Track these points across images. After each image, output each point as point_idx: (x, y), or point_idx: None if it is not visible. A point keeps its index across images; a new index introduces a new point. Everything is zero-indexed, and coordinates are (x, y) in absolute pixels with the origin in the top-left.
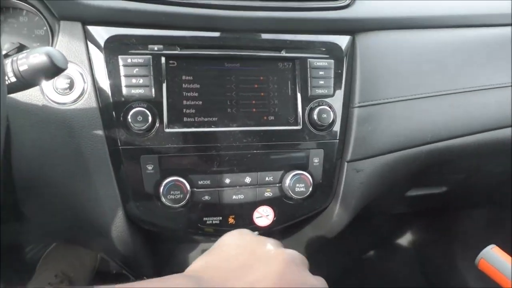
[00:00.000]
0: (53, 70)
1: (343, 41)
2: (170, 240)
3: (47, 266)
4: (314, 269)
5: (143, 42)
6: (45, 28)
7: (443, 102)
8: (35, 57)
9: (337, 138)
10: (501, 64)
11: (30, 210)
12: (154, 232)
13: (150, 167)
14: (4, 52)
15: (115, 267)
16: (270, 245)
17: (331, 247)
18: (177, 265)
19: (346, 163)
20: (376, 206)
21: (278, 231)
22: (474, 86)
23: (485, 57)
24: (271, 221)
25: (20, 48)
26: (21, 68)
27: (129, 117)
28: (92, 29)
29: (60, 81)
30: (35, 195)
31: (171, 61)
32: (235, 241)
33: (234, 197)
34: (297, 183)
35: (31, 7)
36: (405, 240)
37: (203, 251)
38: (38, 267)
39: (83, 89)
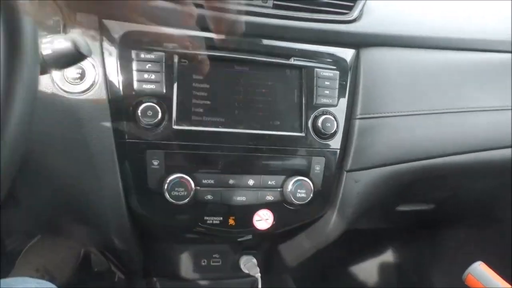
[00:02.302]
0: (77, 56)
1: (348, 54)
2: (164, 238)
3: (28, 260)
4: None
5: (157, 39)
6: (56, 18)
7: (439, 120)
8: (60, 42)
9: (339, 147)
10: (496, 88)
11: (27, 197)
12: (149, 228)
13: (155, 163)
14: None
15: (97, 264)
16: None
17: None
18: (166, 265)
19: (345, 173)
20: (366, 219)
21: (272, 236)
22: (469, 107)
23: (481, 80)
24: (270, 225)
25: None
26: (45, 52)
27: (139, 111)
28: (108, 23)
29: (71, 71)
30: (34, 181)
31: (183, 60)
32: None
33: (236, 198)
34: (299, 189)
35: None
36: (385, 255)
37: (196, 252)
38: (18, 260)
39: (94, 80)
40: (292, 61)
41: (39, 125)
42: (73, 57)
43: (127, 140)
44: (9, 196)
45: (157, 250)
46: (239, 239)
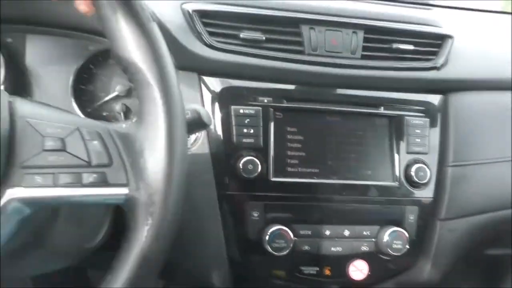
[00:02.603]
0: (200, 126)
1: (436, 100)
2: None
3: None
4: None
5: (253, 94)
6: None
7: None
8: (187, 114)
9: (432, 196)
10: None
11: None
12: (245, 275)
13: (255, 214)
14: (115, 93)
15: None
16: None
17: None
18: None
19: (439, 222)
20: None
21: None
22: None
23: None
24: (365, 275)
25: (130, 89)
26: None
27: (240, 164)
28: (207, 79)
29: None
30: None
31: (277, 113)
32: None
33: (332, 249)
34: (395, 240)
35: None
36: None
37: None
38: None
39: (197, 136)
40: (381, 110)
41: None
42: (197, 127)
43: (228, 193)
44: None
45: None
46: None
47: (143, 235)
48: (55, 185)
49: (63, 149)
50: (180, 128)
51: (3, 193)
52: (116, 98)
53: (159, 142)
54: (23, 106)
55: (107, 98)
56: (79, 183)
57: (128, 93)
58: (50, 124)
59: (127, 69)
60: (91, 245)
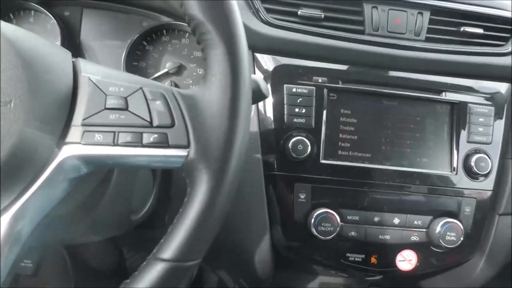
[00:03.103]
0: (259, 97)
1: (504, 88)
2: (294, 268)
3: None
4: None
5: (308, 73)
6: None
7: None
8: None
9: (491, 188)
10: None
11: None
12: (285, 259)
13: (302, 196)
14: (165, 70)
15: (209, 281)
16: None
17: None
18: None
19: (498, 216)
20: None
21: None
22: None
23: None
24: (413, 266)
25: (180, 67)
26: None
27: (289, 144)
28: (261, 57)
29: None
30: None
31: (332, 94)
32: None
33: (380, 236)
34: (448, 231)
35: None
36: None
37: (320, 284)
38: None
39: None
40: (443, 96)
41: None
42: (256, 97)
43: (276, 173)
44: (160, 219)
45: (283, 278)
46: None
47: (200, 199)
48: (114, 143)
49: (125, 108)
50: (247, 92)
51: (61, 149)
52: (166, 75)
53: (224, 104)
54: (86, 66)
55: (157, 75)
56: (139, 143)
57: (178, 70)
58: (113, 83)
59: (197, 28)
60: (137, 217)
